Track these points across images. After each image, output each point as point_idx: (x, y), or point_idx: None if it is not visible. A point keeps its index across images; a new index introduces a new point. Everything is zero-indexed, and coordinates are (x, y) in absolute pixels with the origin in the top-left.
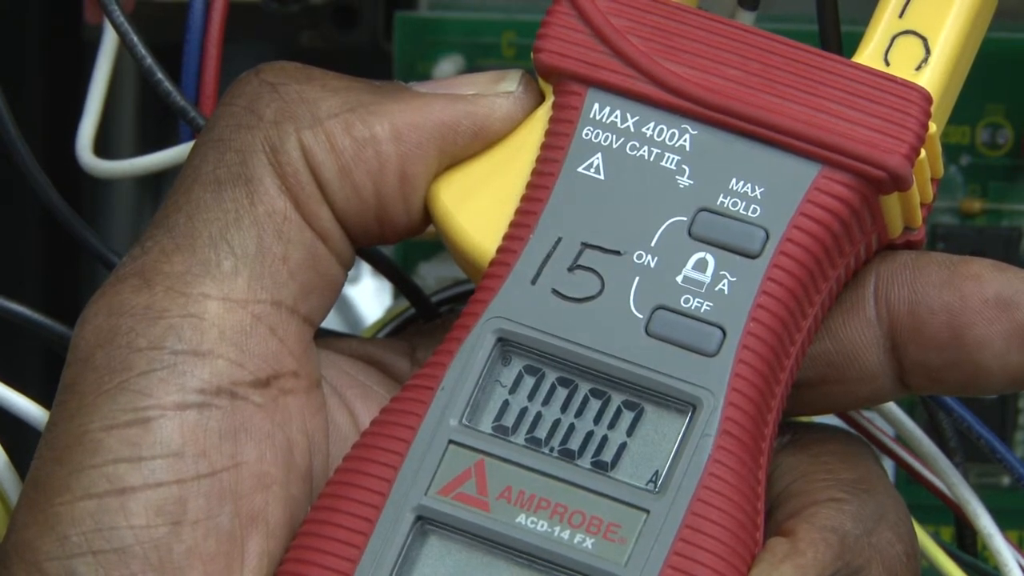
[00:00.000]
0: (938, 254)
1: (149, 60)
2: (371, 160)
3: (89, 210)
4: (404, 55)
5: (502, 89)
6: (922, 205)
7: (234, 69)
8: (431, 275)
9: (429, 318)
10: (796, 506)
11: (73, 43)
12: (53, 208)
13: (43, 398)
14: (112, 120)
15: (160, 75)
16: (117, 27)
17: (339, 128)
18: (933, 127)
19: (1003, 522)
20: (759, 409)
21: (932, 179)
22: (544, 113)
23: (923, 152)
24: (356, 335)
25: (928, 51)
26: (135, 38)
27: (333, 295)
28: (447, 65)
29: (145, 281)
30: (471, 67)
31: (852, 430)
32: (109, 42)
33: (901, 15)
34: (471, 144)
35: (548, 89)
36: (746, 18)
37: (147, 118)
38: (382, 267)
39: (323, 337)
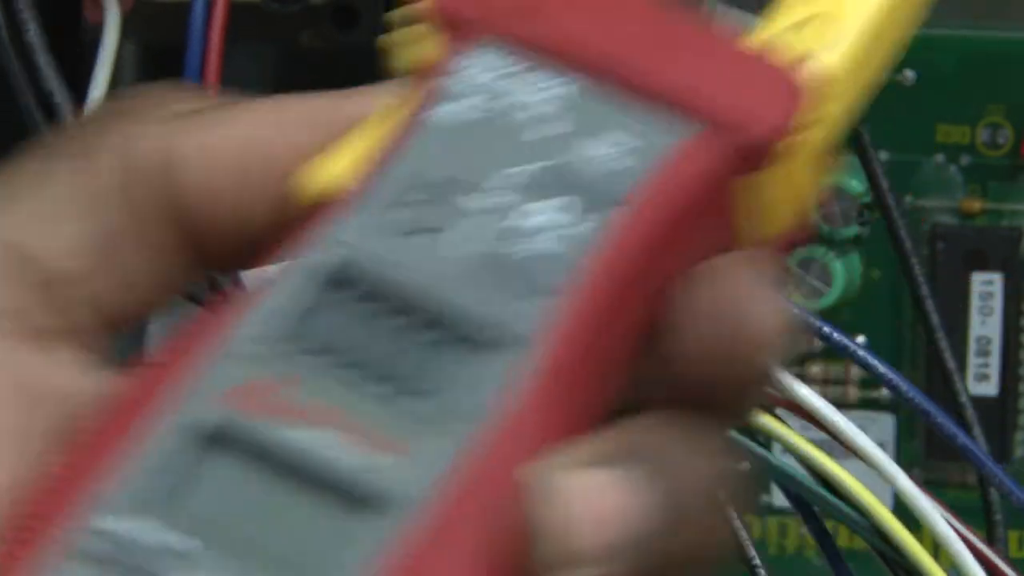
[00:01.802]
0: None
1: (145, 61)
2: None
3: None
4: None
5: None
6: (801, 209)
7: (234, 69)
8: None
9: None
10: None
11: (73, 43)
12: None
13: None
14: None
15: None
16: (115, 27)
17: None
18: (834, 110)
19: (1003, 522)
20: (591, 357)
21: (822, 180)
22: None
23: (808, 138)
24: None
25: (832, 31)
26: (132, 39)
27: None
28: None
29: None
30: None
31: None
32: (109, 42)
33: None
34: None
35: (435, 39)
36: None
37: None
38: None
39: None
